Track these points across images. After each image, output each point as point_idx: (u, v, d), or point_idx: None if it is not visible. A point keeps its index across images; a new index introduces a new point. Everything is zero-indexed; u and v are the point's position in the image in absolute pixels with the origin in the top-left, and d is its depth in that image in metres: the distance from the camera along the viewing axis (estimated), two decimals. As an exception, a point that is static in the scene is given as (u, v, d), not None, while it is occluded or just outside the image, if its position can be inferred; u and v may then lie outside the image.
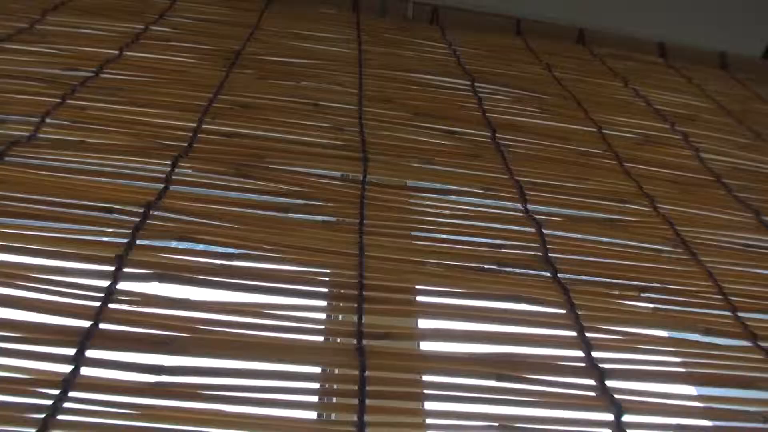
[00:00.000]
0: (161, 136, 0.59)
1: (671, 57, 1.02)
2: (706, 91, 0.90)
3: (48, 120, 0.59)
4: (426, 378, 0.38)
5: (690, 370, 0.43)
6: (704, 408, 0.40)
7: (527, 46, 0.99)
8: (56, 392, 0.34)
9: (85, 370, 0.36)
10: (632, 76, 0.91)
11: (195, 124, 0.61)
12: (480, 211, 0.55)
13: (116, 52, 0.75)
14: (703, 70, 1.00)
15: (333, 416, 0.36)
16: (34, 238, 0.45)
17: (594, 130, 0.73)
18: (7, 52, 0.72)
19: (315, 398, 0.37)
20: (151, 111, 0.63)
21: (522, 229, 0.54)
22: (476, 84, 0.79)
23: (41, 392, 0.34)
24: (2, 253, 0.43)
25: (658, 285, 0.50)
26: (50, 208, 0.48)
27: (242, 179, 0.54)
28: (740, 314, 0.48)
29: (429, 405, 0.37)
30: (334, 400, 0.37)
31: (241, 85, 0.71)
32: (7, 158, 0.53)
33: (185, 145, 0.58)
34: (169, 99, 0.65)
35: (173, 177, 0.53)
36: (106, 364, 0.36)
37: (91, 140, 0.57)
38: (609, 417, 0.38)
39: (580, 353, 0.42)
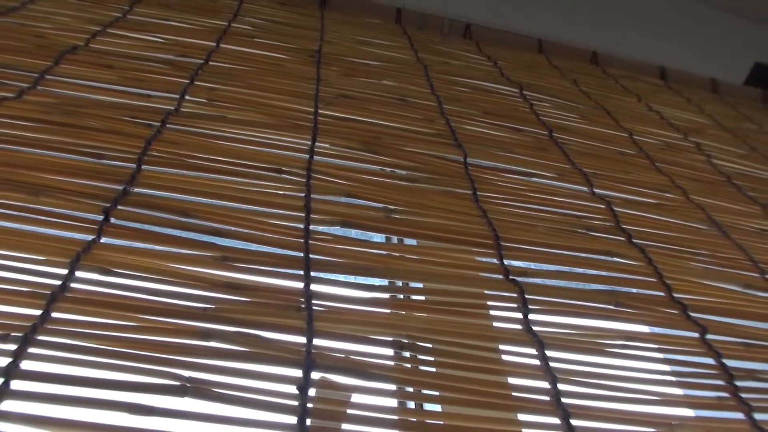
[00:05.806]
0: (288, 116, 0.69)
1: (671, 80, 1.18)
2: (704, 111, 1.07)
3: (187, 97, 0.68)
4: (563, 300, 0.50)
5: (743, 309, 0.56)
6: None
7: (550, 63, 1.13)
8: (302, 299, 0.44)
9: (314, 287, 0.46)
10: (643, 94, 1.07)
11: (312, 109, 0.71)
12: (559, 191, 0.68)
13: (214, 43, 0.84)
14: (698, 92, 1.16)
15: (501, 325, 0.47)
16: (232, 189, 0.54)
17: (626, 135, 0.87)
18: (116, 37, 0.80)
19: (483, 311, 0.48)
20: (269, 95, 0.73)
21: (596, 205, 0.66)
22: (524, 92, 0.92)
23: (293, 299, 0.44)
24: (213, 199, 0.53)
25: (707, 252, 0.63)
26: (227, 167, 0.57)
27: (372, 155, 0.64)
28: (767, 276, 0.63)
29: (570, 320, 0.49)
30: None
31: (333, 79, 0.81)
32: (168, 125, 0.62)
33: (311, 125, 0.68)
34: (279, 86, 0.75)
35: (315, 149, 0.63)
36: (329, 282, 0.46)
37: (230, 116, 0.67)
38: (695, 335, 0.51)
39: (663, 293, 0.55)
